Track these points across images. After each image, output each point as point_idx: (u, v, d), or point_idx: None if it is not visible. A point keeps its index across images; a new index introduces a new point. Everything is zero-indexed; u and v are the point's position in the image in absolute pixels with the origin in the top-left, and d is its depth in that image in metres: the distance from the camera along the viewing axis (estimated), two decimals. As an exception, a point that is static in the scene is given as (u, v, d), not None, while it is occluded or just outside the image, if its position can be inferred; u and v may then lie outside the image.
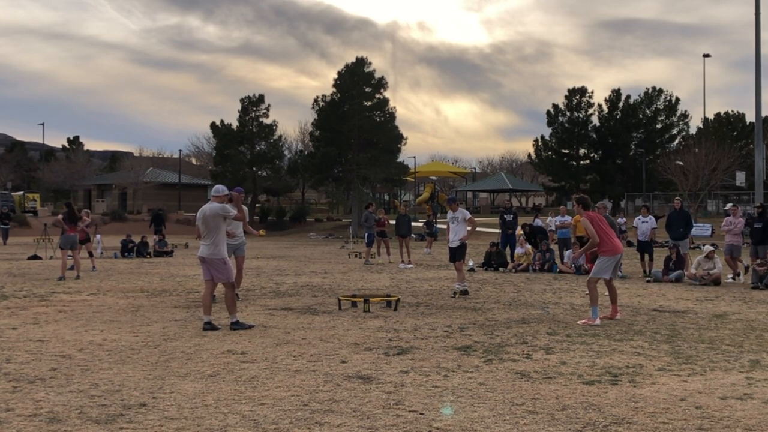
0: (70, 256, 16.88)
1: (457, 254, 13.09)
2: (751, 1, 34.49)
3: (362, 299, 11.10)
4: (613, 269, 10.23)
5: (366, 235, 22.72)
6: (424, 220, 36.71)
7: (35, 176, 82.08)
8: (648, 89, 63.69)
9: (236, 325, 9.17)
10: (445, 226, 14.31)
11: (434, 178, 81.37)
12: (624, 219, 35.38)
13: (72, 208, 17.42)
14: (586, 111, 63.28)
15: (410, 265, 20.32)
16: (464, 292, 13.00)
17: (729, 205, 17.47)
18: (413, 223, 26.99)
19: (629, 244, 28.15)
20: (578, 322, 9.73)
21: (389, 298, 11.49)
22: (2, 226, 33.91)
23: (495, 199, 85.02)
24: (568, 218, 20.68)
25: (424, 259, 24.03)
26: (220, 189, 9.52)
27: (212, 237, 9.16)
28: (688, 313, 11.02)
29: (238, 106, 56.69)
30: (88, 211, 24.24)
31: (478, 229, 16.95)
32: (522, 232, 20.36)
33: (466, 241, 13.13)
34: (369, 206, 23.82)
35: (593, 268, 10.20)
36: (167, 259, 24.06)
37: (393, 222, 24.44)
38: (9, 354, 7.61)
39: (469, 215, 13.31)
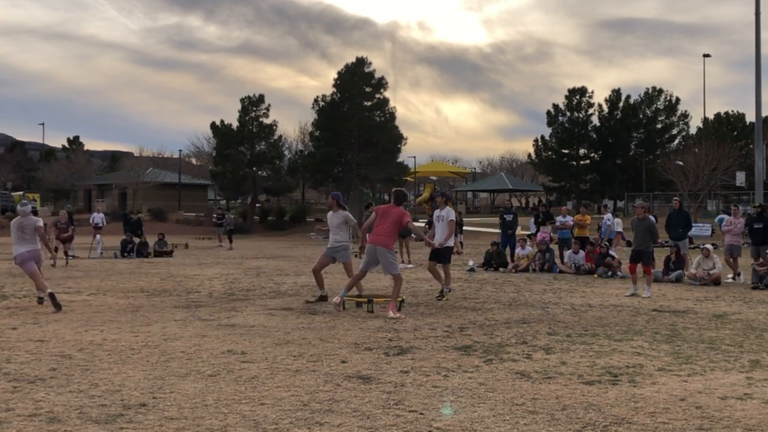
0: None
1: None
2: (751, 1, 34.52)
3: (366, 299, 11.11)
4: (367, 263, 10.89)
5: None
6: (425, 221, 36.68)
7: (35, 176, 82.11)
8: (648, 89, 63.81)
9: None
10: None
11: (434, 178, 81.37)
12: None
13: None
14: (586, 111, 63.25)
15: (410, 266, 20.33)
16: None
17: (724, 218, 17.53)
18: (414, 223, 26.92)
19: (629, 244, 28.15)
20: (389, 316, 10.08)
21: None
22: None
23: (495, 199, 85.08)
24: (568, 218, 20.70)
25: (425, 259, 23.98)
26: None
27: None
28: (688, 313, 11.03)
29: (238, 106, 56.69)
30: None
31: (476, 229, 16.96)
32: (525, 231, 20.41)
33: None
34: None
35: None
36: (167, 259, 24.06)
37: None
38: (9, 354, 7.60)
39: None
